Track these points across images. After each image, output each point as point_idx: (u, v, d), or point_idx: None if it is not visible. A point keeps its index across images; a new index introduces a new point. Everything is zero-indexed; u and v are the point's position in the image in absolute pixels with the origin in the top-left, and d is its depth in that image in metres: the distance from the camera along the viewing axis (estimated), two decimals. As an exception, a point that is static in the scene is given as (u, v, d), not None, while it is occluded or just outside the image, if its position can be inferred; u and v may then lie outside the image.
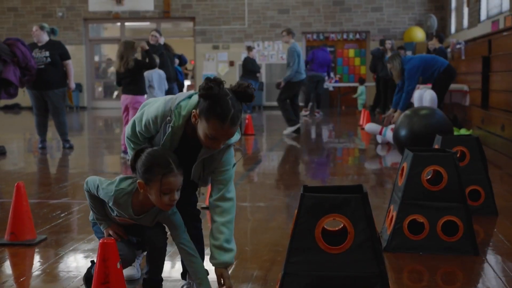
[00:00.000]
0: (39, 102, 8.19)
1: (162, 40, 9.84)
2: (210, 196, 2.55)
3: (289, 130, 10.13)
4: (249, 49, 15.36)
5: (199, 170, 2.52)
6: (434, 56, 8.33)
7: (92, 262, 2.64)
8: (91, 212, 2.68)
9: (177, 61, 10.53)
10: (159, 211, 2.51)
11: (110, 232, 2.61)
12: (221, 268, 2.50)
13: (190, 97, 2.43)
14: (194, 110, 2.36)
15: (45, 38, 8.16)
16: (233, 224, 2.54)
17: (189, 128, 2.44)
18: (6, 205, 4.45)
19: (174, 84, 9.64)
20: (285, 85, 10.01)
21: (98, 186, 2.50)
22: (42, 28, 8.17)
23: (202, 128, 2.33)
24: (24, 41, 7.75)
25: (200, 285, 2.53)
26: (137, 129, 2.53)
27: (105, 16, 18.94)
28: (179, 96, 2.45)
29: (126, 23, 19.43)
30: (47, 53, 8.01)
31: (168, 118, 2.41)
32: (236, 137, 2.47)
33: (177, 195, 2.38)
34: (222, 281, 2.50)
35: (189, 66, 24.74)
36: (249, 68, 14.88)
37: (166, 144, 2.46)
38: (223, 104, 2.27)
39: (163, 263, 2.67)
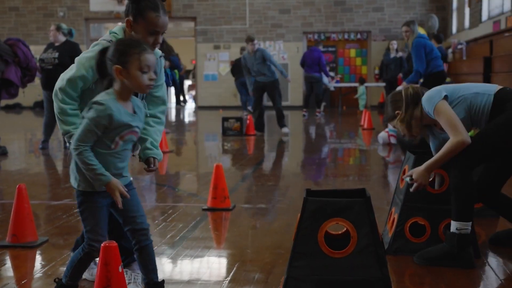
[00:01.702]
0: (49, 102, 8.22)
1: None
2: (148, 108, 2.80)
3: (286, 130, 10.58)
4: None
5: None
6: (439, 55, 8.29)
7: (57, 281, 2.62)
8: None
9: (166, 63, 10.12)
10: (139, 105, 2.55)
11: (118, 187, 2.42)
12: (152, 157, 2.74)
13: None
14: (127, 18, 2.61)
15: (61, 38, 8.16)
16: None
17: None
18: (8, 206, 4.45)
19: None
20: (277, 88, 10.52)
21: (85, 125, 2.37)
22: (58, 28, 8.17)
23: (141, 29, 2.60)
24: (25, 41, 7.76)
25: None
26: (78, 74, 2.57)
27: (106, 16, 18.94)
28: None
29: (127, 23, 19.43)
30: (56, 54, 8.02)
31: (107, 43, 2.59)
32: (160, 52, 2.79)
33: (153, 75, 2.45)
34: (152, 165, 2.74)
35: (189, 66, 24.84)
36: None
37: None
38: None
39: (154, 264, 2.63)
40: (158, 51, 2.80)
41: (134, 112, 2.49)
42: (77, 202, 2.53)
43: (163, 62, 2.89)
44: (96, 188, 2.45)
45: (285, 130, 10.58)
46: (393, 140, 8.49)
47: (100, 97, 2.42)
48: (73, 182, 2.52)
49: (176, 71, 11.08)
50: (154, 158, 2.74)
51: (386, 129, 8.72)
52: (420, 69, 7.79)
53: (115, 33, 2.69)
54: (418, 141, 3.50)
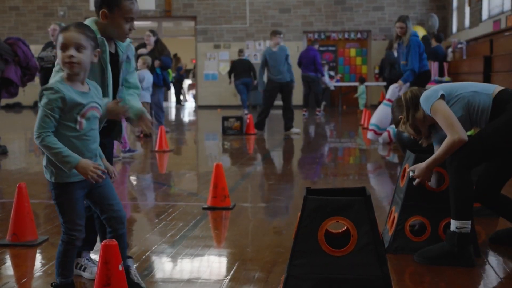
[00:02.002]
0: None
1: (152, 40, 9.89)
2: (123, 92, 3.02)
3: (298, 129, 10.71)
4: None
5: (123, 73, 2.97)
6: (426, 56, 8.34)
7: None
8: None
9: (157, 62, 9.86)
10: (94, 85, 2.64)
11: (89, 166, 2.42)
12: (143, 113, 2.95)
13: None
14: (101, 11, 2.75)
15: None
16: None
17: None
18: (8, 205, 4.45)
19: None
20: (292, 89, 10.70)
21: (41, 112, 2.44)
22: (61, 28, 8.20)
23: (118, 17, 2.76)
24: (25, 41, 7.76)
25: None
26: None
27: (106, 15, 18.95)
28: None
29: (127, 22, 19.44)
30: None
31: None
32: (129, 39, 2.95)
33: (73, 52, 2.47)
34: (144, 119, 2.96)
35: (190, 65, 24.84)
36: (245, 68, 15.15)
37: (107, 66, 2.78)
38: None
39: (126, 251, 2.68)
40: (127, 39, 2.97)
41: (89, 90, 2.55)
42: (52, 195, 2.54)
43: (133, 49, 3.07)
44: (67, 171, 2.43)
45: (296, 130, 10.58)
46: (370, 135, 8.55)
47: (49, 83, 2.51)
48: (48, 176, 2.52)
49: (169, 71, 10.96)
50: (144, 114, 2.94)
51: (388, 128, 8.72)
52: (415, 68, 7.82)
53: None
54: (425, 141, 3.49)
